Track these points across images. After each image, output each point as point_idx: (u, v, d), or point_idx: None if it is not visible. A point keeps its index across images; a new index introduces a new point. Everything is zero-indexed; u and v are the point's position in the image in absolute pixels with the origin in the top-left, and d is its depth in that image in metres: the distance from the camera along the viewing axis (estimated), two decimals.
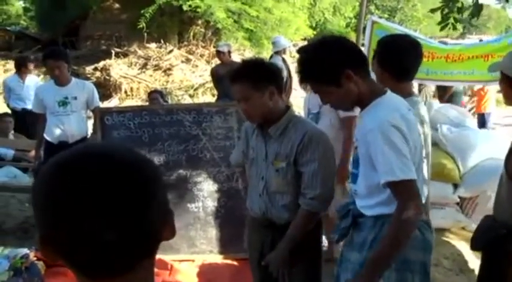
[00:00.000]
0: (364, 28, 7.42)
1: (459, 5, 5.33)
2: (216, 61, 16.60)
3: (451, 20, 5.42)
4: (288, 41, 8.84)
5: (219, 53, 8.89)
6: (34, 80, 9.32)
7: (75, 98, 5.35)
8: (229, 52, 8.79)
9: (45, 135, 5.48)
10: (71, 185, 0.89)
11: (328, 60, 2.33)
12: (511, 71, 2.77)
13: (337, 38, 2.56)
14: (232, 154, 3.60)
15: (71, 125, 5.38)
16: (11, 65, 14.85)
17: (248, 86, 2.75)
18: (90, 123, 5.93)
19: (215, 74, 8.91)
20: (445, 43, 7.53)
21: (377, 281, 2.31)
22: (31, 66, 9.12)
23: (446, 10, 5.41)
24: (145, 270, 0.97)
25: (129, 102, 14.20)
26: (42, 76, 16.46)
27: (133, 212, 0.91)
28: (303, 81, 2.48)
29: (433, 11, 5.79)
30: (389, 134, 2.23)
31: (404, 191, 2.22)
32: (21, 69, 8.86)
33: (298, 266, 2.88)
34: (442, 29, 5.53)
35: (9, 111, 8.91)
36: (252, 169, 3.05)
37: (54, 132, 5.42)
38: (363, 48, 7.17)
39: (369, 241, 2.44)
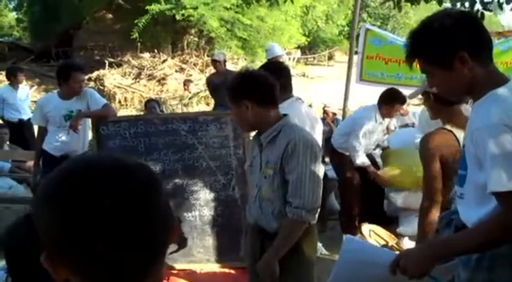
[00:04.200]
0: (357, 36, 7.48)
1: None
2: (210, 70, 16.65)
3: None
4: (281, 49, 8.85)
5: (214, 62, 8.87)
6: (26, 90, 9.31)
7: (80, 111, 5.23)
8: (224, 61, 8.79)
9: (45, 148, 5.38)
10: (68, 208, 0.89)
11: (442, 39, 2.02)
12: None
13: (462, 15, 2.15)
14: None
15: (77, 138, 5.30)
16: (4, 76, 14.85)
17: (229, 99, 2.88)
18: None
19: (210, 83, 8.89)
20: None
21: (437, 260, 2.07)
22: (20, 76, 9.07)
23: None
24: (155, 277, 0.99)
25: (123, 112, 14.21)
26: (35, 87, 16.45)
27: (136, 223, 0.91)
28: (411, 56, 2.17)
29: None
30: (499, 135, 1.88)
31: (510, 203, 1.88)
32: (11, 79, 8.85)
33: (286, 274, 2.86)
34: None
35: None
36: (251, 177, 3.13)
37: (58, 145, 5.32)
38: (356, 56, 7.24)
39: (473, 259, 2.12)
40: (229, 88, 2.90)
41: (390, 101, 5.65)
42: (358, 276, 2.20)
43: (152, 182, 0.97)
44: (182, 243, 4.69)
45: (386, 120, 6.05)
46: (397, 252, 2.10)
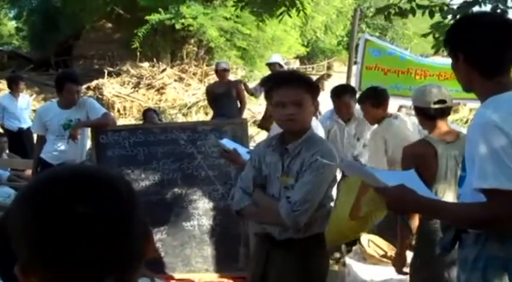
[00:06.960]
0: (357, 46, 7.50)
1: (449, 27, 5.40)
2: (209, 80, 16.66)
3: (443, 43, 5.49)
4: (282, 58, 8.83)
5: (224, 71, 8.68)
6: (26, 99, 9.32)
7: (79, 120, 5.22)
8: (228, 71, 8.82)
9: (43, 156, 5.36)
10: (43, 213, 0.88)
11: (451, 33, 2.29)
12: (419, 102, 3.38)
13: (483, 24, 2.21)
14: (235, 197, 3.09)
15: (75, 148, 5.28)
16: (3, 84, 14.90)
17: (304, 91, 2.81)
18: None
19: (211, 93, 8.82)
20: None
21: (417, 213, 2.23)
22: (22, 85, 9.09)
23: (437, 34, 5.48)
24: None
25: (122, 121, 14.19)
26: (34, 96, 16.47)
27: (113, 234, 0.91)
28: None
29: (424, 35, 5.86)
30: (489, 135, 1.96)
31: (495, 202, 1.94)
32: (12, 88, 8.87)
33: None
34: (435, 52, 5.61)
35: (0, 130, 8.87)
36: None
37: (56, 154, 5.30)
38: (355, 67, 7.27)
39: (470, 261, 2.16)
40: (307, 81, 2.90)
41: (337, 96, 5.24)
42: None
43: (130, 195, 0.97)
44: None
45: (352, 125, 5.39)
46: (392, 186, 2.16)
